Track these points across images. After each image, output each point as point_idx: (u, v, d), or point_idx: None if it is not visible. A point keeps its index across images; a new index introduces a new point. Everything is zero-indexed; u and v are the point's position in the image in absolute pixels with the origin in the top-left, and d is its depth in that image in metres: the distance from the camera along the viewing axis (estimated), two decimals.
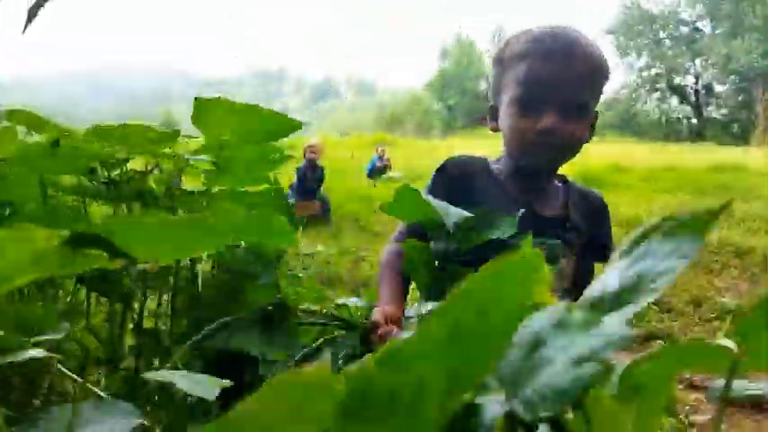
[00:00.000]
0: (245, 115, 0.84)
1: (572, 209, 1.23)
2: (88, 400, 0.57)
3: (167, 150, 0.95)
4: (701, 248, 0.35)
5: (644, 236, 0.39)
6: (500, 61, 1.20)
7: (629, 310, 0.34)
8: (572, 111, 1.11)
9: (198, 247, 0.49)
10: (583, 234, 1.21)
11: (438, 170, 1.20)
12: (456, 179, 1.18)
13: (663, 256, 0.36)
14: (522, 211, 0.98)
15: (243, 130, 0.88)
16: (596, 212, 1.27)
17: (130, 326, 1.01)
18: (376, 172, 11.19)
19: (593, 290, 0.38)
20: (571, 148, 1.16)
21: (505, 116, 1.17)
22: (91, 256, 0.44)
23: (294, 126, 0.87)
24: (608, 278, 0.38)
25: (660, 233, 0.38)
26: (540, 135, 1.10)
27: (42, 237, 0.39)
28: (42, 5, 0.77)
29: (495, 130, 1.23)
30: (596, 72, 1.14)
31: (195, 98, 0.83)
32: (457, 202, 1.02)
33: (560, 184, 1.27)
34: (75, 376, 0.70)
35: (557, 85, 1.09)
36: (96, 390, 0.67)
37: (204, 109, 0.84)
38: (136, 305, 1.01)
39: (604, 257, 1.13)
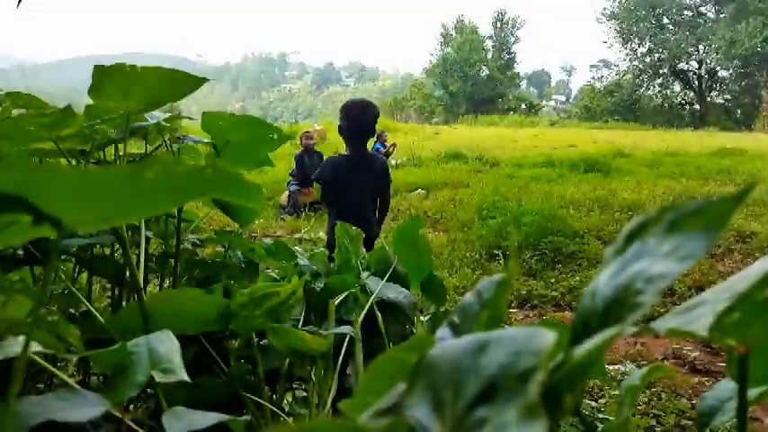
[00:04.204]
0: (147, 78, 0.82)
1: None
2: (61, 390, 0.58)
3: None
4: (709, 247, 0.27)
5: (640, 229, 0.32)
6: None
7: (604, 336, 0.27)
8: None
9: (135, 208, 0.41)
10: None
11: None
12: None
13: (660, 256, 0.29)
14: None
15: (145, 92, 0.86)
16: None
17: None
18: None
19: (585, 297, 0.32)
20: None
21: None
22: (15, 228, 0.39)
23: (197, 82, 0.85)
24: (599, 284, 0.31)
25: (660, 226, 0.30)
26: None
27: None
28: None
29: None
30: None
31: (95, 66, 0.81)
32: None
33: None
34: (55, 370, 0.70)
35: None
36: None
37: (105, 76, 0.82)
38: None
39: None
